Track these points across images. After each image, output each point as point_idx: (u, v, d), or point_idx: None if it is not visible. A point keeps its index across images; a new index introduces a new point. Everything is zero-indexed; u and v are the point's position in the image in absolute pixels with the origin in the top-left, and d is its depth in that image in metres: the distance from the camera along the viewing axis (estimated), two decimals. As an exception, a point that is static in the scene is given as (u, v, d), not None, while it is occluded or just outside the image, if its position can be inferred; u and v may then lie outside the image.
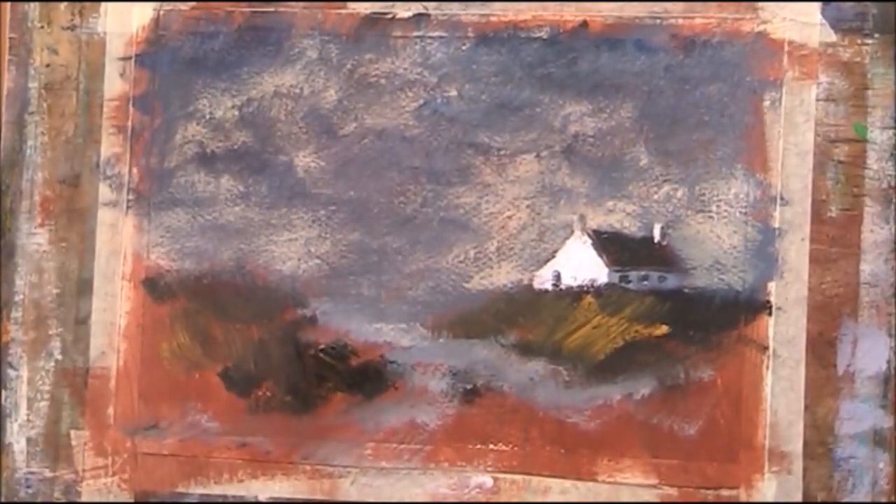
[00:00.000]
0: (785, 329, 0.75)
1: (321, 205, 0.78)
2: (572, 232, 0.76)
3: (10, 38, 0.80)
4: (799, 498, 0.74)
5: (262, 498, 0.78)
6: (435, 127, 0.77)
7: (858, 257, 0.74)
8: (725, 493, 0.75)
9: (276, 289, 0.78)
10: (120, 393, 0.79)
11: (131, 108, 0.79)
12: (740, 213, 0.75)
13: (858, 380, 0.74)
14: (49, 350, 0.79)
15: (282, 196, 0.78)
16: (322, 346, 0.78)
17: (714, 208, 0.75)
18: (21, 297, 0.79)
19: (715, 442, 0.75)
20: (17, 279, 0.79)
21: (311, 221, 0.78)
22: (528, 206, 0.77)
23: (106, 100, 0.79)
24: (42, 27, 0.80)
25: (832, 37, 0.75)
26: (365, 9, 0.78)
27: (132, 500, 0.79)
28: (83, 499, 0.79)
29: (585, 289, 0.76)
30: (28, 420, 0.79)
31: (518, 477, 0.77)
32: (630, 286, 0.76)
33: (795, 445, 0.74)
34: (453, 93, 0.77)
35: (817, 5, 0.75)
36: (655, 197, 0.76)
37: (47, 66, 0.80)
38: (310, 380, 0.78)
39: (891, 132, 0.75)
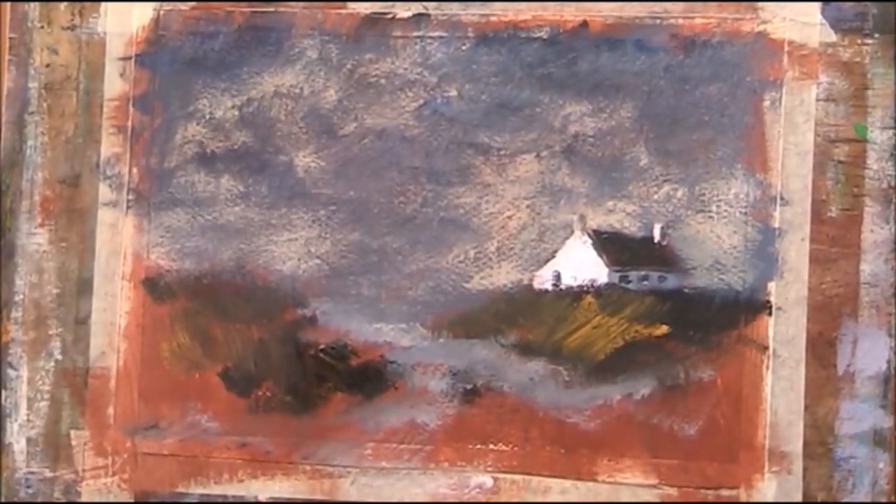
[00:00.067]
0: (785, 329, 0.75)
1: (321, 205, 0.78)
2: (572, 232, 0.76)
3: (10, 38, 0.80)
4: (799, 498, 0.74)
5: (262, 498, 0.78)
6: (435, 127, 0.77)
7: (858, 257, 0.74)
8: (725, 493, 0.75)
9: (276, 289, 0.78)
10: (120, 393, 0.79)
11: (131, 108, 0.79)
12: (740, 213, 0.75)
13: (858, 380, 0.74)
14: (49, 350, 0.79)
15: (282, 196, 0.78)
16: (322, 346, 0.78)
17: (714, 208, 0.75)
18: (21, 297, 0.79)
19: (715, 442, 0.75)
20: (17, 279, 0.79)
21: (311, 221, 0.78)
22: (528, 206, 0.77)
23: (106, 100, 0.79)
24: (42, 27, 0.80)
25: (832, 37, 0.75)
26: (365, 9, 0.78)
27: (132, 500, 0.79)
28: (83, 499, 0.79)
29: (585, 289, 0.76)
30: (28, 420, 0.79)
31: (518, 477, 0.77)
32: (630, 286, 0.76)
33: (795, 445, 0.74)
34: (453, 93, 0.77)
35: (817, 5, 0.75)
36: (655, 197, 0.76)
37: (47, 66, 0.80)
38: (310, 380, 0.78)
39: (891, 132, 0.75)
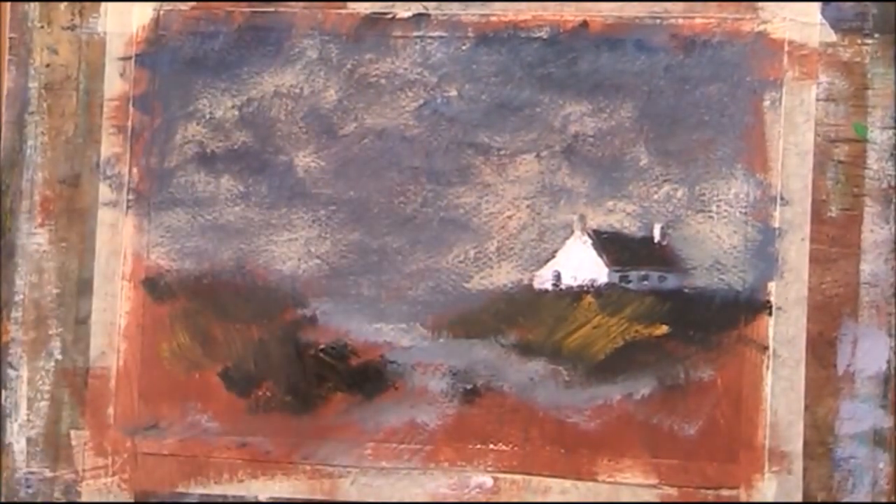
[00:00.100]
0: (785, 329, 0.75)
1: (321, 205, 0.78)
2: (572, 232, 0.76)
3: (10, 38, 0.80)
4: (799, 498, 0.74)
5: (262, 498, 0.78)
6: (435, 127, 0.77)
7: (858, 257, 0.74)
8: (725, 493, 0.75)
9: (276, 289, 0.78)
10: (120, 393, 0.79)
11: (131, 108, 0.79)
12: (740, 213, 0.75)
13: (858, 380, 0.74)
14: (49, 350, 0.79)
15: (282, 196, 0.78)
16: (322, 346, 0.78)
17: (714, 208, 0.75)
18: (21, 297, 0.79)
19: (715, 442, 0.75)
20: (17, 279, 0.79)
21: (311, 221, 0.78)
22: (528, 206, 0.77)
23: (106, 100, 0.79)
24: (42, 27, 0.80)
25: (832, 37, 0.75)
26: (365, 9, 0.78)
27: (132, 500, 0.79)
28: (83, 499, 0.79)
29: (585, 289, 0.76)
30: (28, 420, 0.79)
31: (518, 477, 0.77)
32: (630, 286, 0.76)
33: (795, 445, 0.74)
34: (453, 93, 0.77)
35: (817, 5, 0.75)
36: (655, 197, 0.76)
37: (47, 66, 0.80)
38: (310, 380, 0.78)
39: (891, 132, 0.75)
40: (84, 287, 0.79)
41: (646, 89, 0.76)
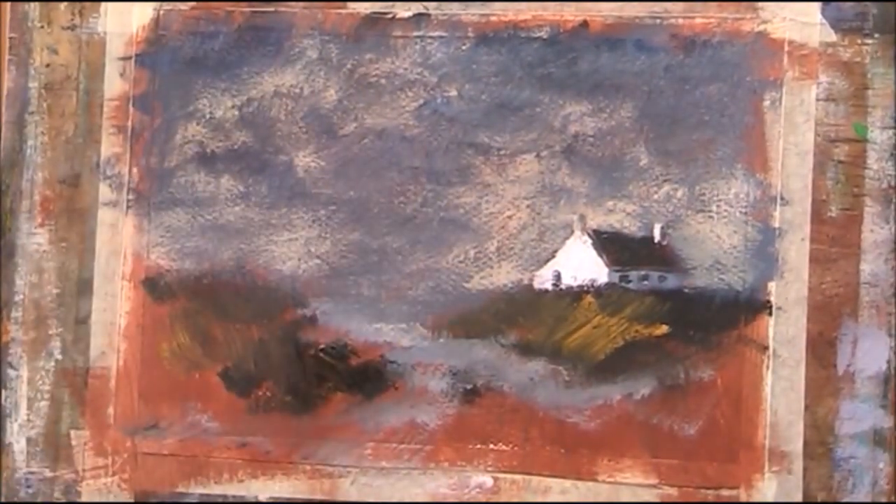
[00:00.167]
0: (785, 329, 0.75)
1: (321, 205, 0.78)
2: (572, 232, 0.76)
3: (10, 38, 0.80)
4: (799, 498, 0.74)
5: (262, 498, 0.78)
6: (435, 127, 0.77)
7: (858, 257, 0.74)
8: (725, 493, 0.75)
9: (276, 289, 0.78)
10: (120, 393, 0.79)
11: (131, 108, 0.79)
12: (740, 213, 0.75)
13: (858, 380, 0.74)
14: (49, 350, 0.79)
15: (282, 196, 0.78)
16: (322, 346, 0.78)
17: (714, 208, 0.75)
18: (21, 297, 0.79)
19: (715, 442, 0.75)
20: (17, 279, 0.79)
21: (311, 221, 0.78)
22: (528, 206, 0.77)
23: (106, 100, 0.79)
24: (42, 27, 0.80)
25: (832, 37, 0.75)
26: (365, 9, 0.78)
27: (132, 500, 0.79)
28: (83, 499, 0.79)
29: (585, 289, 0.76)
30: (28, 420, 0.79)
31: (518, 477, 0.77)
32: (630, 286, 0.76)
33: (795, 445, 0.74)
34: (453, 93, 0.77)
35: (817, 5, 0.75)
36: (655, 197, 0.76)
37: (47, 66, 0.80)
38: (310, 380, 0.78)
39: (891, 132, 0.75)
40: (84, 287, 0.79)
41: (646, 89, 0.76)
